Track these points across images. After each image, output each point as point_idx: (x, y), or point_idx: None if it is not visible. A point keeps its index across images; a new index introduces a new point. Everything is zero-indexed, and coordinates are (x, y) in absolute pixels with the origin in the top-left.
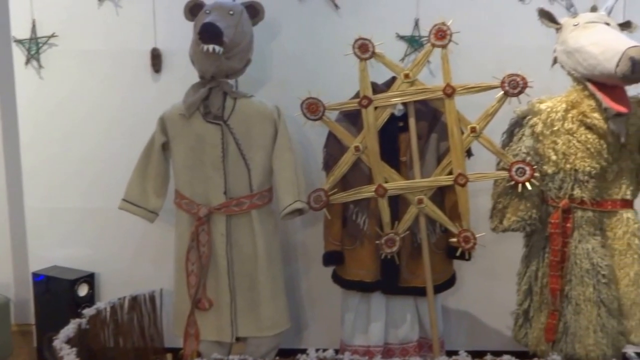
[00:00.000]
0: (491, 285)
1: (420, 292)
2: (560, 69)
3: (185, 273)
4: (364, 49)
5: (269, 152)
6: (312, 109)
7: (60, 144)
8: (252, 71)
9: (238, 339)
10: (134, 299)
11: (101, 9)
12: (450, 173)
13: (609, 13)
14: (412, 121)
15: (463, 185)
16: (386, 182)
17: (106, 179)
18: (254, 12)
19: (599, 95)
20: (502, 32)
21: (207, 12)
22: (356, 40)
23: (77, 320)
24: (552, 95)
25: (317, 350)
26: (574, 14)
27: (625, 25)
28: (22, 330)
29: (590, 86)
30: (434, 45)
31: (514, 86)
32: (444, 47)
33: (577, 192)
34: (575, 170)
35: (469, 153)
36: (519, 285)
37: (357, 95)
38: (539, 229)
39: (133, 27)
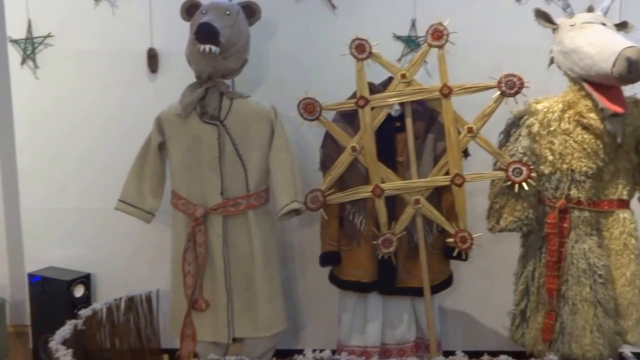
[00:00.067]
0: (488, 286)
1: (417, 292)
2: (556, 69)
3: (182, 274)
4: (360, 49)
5: (265, 152)
6: (309, 109)
7: (56, 145)
8: (249, 71)
9: (235, 340)
10: (131, 300)
11: (97, 8)
12: (447, 173)
13: (605, 13)
14: (409, 121)
15: (460, 186)
16: (383, 182)
17: (102, 180)
18: (251, 12)
19: (596, 95)
20: (498, 33)
21: (204, 12)
22: (353, 41)
23: (73, 321)
24: (549, 95)
25: (314, 350)
26: (571, 15)
27: (622, 26)
28: (17, 332)
29: (586, 86)
30: (430, 46)
31: (511, 86)
32: (440, 47)
33: (573, 192)
34: (572, 171)
35: (465, 153)
36: (515, 285)
37: (354, 96)
38: (535, 229)
39: (129, 27)
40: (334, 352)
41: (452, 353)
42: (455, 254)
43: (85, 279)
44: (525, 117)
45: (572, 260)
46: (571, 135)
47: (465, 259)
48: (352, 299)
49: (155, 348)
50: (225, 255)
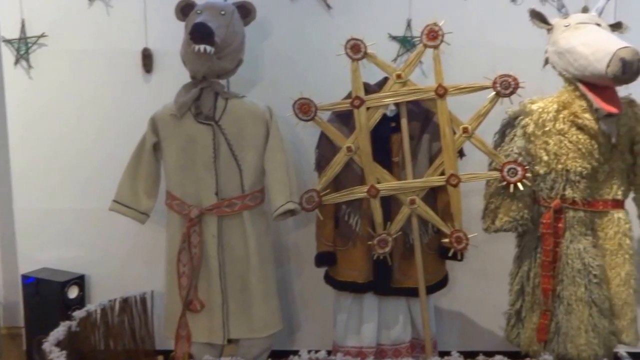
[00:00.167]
0: (483, 286)
1: (412, 292)
2: (551, 70)
3: (177, 274)
4: (356, 50)
5: (260, 152)
6: (304, 109)
7: (50, 145)
8: (244, 71)
9: (230, 341)
10: (125, 301)
11: (91, 8)
12: (443, 173)
13: (600, 14)
14: (404, 122)
15: (455, 186)
16: (378, 182)
17: (96, 180)
18: (246, 12)
19: (590, 95)
20: (493, 33)
21: (199, 12)
22: (348, 41)
23: (67, 323)
24: (544, 95)
25: (309, 351)
26: (565, 15)
27: (616, 26)
28: (11, 333)
29: (581, 87)
30: (426, 46)
31: (506, 87)
32: (436, 47)
33: (568, 193)
34: (567, 171)
35: (461, 153)
36: (511, 285)
37: (349, 96)
38: (530, 229)
39: (124, 27)
40: (329, 352)
41: (448, 353)
42: (450, 254)
43: (80, 280)
44: (520, 117)
45: (567, 260)
46: (566, 135)
47: (461, 259)
48: (347, 299)
49: (149, 349)
50: (220, 256)
